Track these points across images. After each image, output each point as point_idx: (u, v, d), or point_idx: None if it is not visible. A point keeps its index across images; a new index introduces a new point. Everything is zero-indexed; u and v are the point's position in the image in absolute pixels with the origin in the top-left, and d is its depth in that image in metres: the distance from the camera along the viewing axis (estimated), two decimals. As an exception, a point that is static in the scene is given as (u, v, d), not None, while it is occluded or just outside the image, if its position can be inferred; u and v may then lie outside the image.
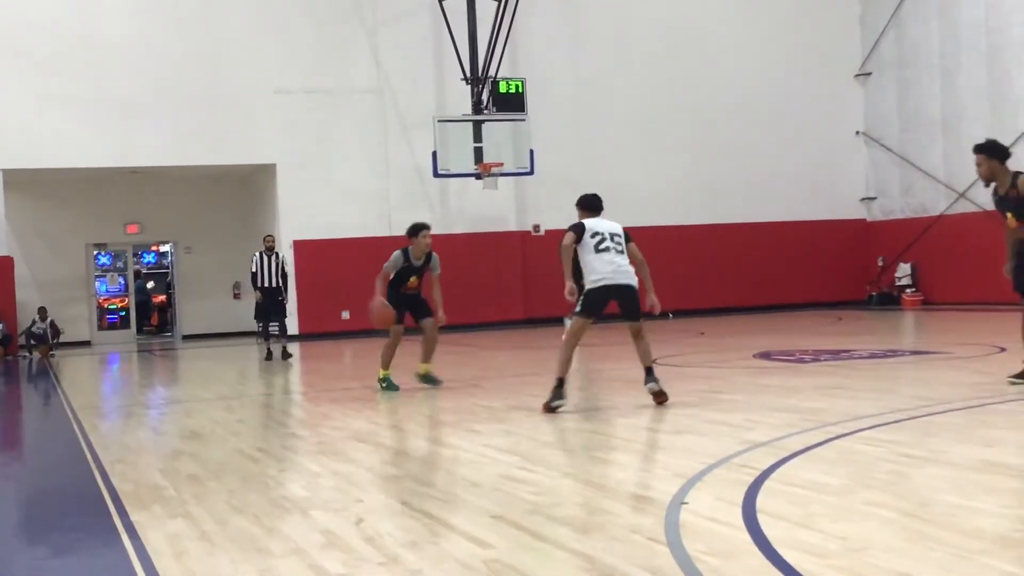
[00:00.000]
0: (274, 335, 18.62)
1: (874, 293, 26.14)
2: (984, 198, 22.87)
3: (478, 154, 22.31)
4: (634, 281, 9.88)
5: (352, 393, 12.63)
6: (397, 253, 12.20)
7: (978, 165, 9.84)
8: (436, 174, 22.44)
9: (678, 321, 21.80)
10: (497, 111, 22.66)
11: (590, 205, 10.30)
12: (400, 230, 23.58)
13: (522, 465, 7.23)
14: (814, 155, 26.12)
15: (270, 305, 18.25)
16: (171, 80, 22.74)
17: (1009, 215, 9.76)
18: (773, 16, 26.08)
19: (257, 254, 18.38)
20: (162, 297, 29.84)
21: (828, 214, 26.44)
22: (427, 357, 12.37)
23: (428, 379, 12.38)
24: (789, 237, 26.03)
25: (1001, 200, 9.84)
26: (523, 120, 22.57)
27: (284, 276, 18.48)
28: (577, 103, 24.58)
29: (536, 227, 24.75)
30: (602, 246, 9.79)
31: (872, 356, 14.06)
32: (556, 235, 24.03)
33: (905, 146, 25.33)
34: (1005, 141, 22.60)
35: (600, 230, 9.96)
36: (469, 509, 6.00)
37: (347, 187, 23.64)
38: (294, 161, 23.57)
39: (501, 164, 22.30)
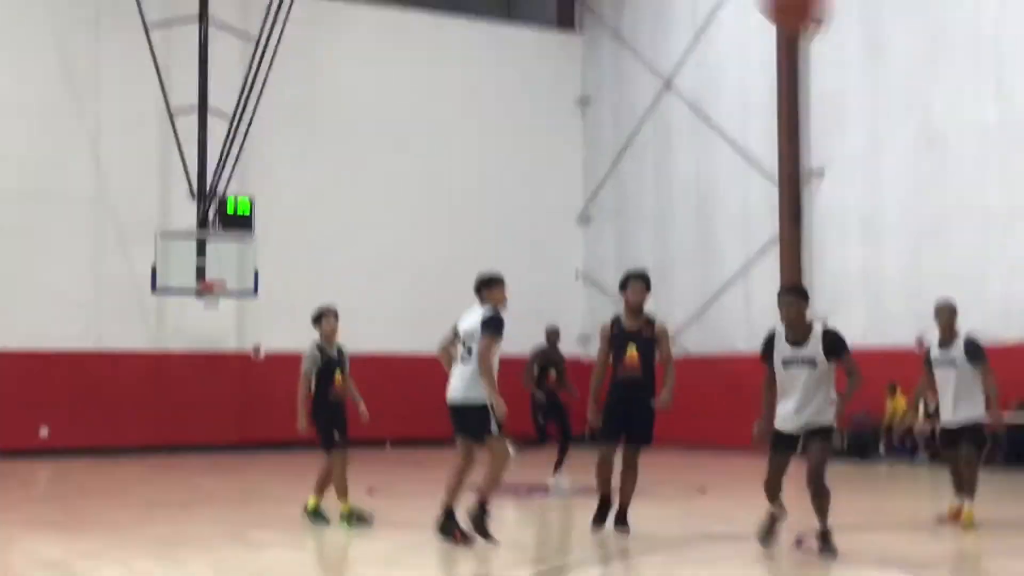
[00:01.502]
0: None
1: (586, 432, 26.73)
2: (690, 344, 24.10)
3: (201, 272, 21.80)
4: (461, 396, 9.14)
5: (44, 516, 11.87)
6: (310, 347, 10.71)
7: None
8: (154, 290, 21.73)
9: (398, 452, 21.70)
10: (223, 229, 22.23)
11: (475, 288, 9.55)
12: (114, 344, 22.92)
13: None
14: (536, 293, 26.83)
15: None
16: None
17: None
18: (501, 157, 26.88)
19: None
20: None
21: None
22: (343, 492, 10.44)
23: (356, 517, 10.39)
24: (511, 370, 26.45)
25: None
26: (250, 240, 22.23)
27: None
28: (306, 225, 24.42)
29: (256, 349, 24.27)
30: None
31: (580, 490, 14.36)
32: (277, 358, 23.88)
33: (612, 287, 26.32)
34: (709, 291, 24.13)
35: (460, 329, 9.39)
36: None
37: (55, 297, 22.48)
38: None
39: (224, 283, 21.85)
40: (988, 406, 10.49)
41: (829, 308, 21.91)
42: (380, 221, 25.38)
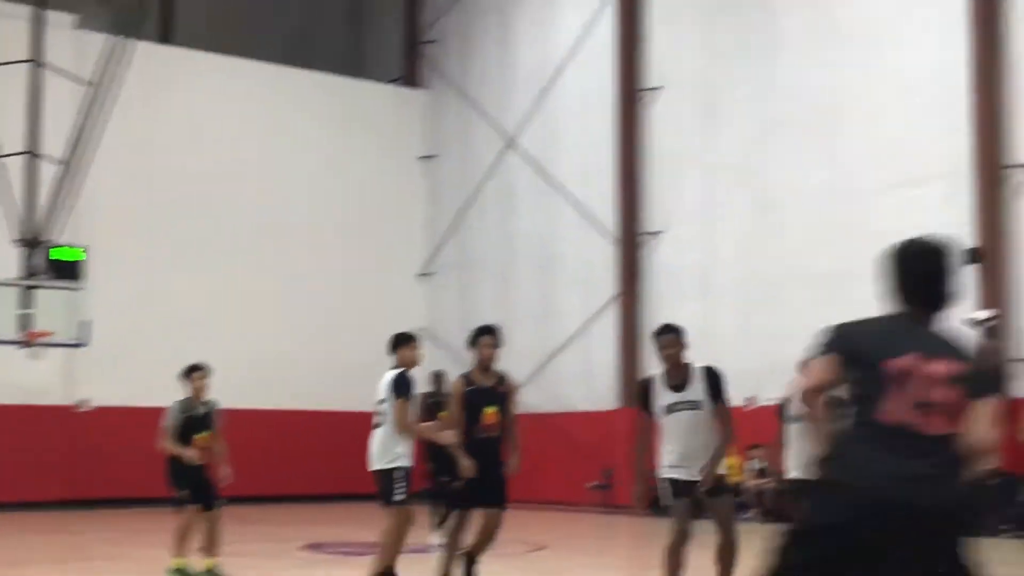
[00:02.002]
0: None
1: (427, 488, 26.63)
2: (529, 401, 24.22)
3: (26, 321, 21.05)
4: (374, 460, 9.20)
5: None
6: (173, 405, 10.55)
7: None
8: (-25, 338, 20.89)
9: (231, 508, 21.16)
10: (53, 278, 21.54)
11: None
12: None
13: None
14: (378, 347, 26.67)
15: None
16: None
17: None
18: (343, 210, 26.79)
19: None
20: None
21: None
22: (213, 548, 10.50)
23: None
24: (349, 425, 26.18)
25: None
26: (80, 289, 21.57)
27: None
28: (143, 275, 23.82)
29: (82, 402, 23.47)
30: None
31: (413, 551, 14.24)
32: (107, 411, 23.20)
33: (463, 344, 26.37)
34: (549, 348, 24.32)
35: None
36: None
37: None
38: None
39: (51, 333, 21.11)
40: None
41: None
42: (220, 272, 24.96)
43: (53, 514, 21.01)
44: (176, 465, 10.18)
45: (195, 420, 10.38)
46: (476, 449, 9.47)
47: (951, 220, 18.41)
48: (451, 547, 9.65)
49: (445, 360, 27.08)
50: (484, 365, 9.83)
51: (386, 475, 9.07)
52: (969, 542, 4.17)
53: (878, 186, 19.40)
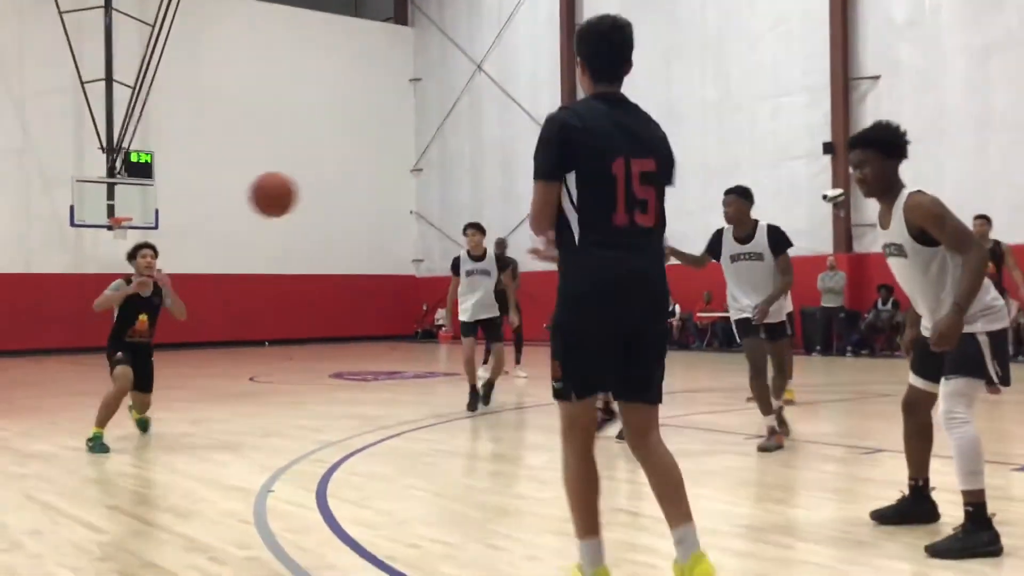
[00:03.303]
0: None
1: (419, 330, 26.89)
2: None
3: (110, 210, 20.77)
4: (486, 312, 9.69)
5: (-14, 405, 11.20)
6: (118, 281, 8.19)
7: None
8: (73, 224, 20.62)
9: (273, 348, 21.31)
10: (129, 176, 21.21)
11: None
12: (40, 268, 21.69)
13: (134, 463, 6.71)
14: (378, 226, 26.59)
15: None
16: None
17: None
18: (349, 118, 26.35)
19: None
20: None
21: (387, 270, 26.93)
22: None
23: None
24: (360, 285, 26.24)
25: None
26: (150, 184, 21.29)
27: None
28: (196, 172, 23.44)
29: (158, 270, 23.28)
30: None
31: (416, 376, 14.41)
32: (175, 277, 22.99)
33: (444, 223, 26.35)
34: (510, 224, 24.30)
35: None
36: (87, 501, 5.46)
37: (-11, 230, 21.13)
38: (-60, 205, 20.78)
39: (130, 219, 20.87)
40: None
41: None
42: (253, 169, 24.49)
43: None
44: (112, 338, 8.17)
45: (140, 304, 8.11)
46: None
47: (813, 121, 18.43)
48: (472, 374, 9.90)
49: (431, 235, 27.12)
50: (473, 249, 9.78)
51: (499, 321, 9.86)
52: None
53: (756, 97, 19.28)
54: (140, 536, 4.65)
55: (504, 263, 10.87)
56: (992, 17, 16.33)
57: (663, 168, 3.41)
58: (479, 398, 9.59)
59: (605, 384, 3.51)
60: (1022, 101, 15.94)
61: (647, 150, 3.36)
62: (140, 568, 4.04)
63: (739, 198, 6.97)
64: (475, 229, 9.82)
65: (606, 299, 3.26)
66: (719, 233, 7.08)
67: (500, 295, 10.15)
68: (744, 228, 6.95)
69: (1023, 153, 15.99)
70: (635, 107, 3.49)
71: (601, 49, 3.45)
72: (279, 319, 24.08)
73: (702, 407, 9.62)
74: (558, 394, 3.36)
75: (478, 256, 9.74)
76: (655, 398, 3.43)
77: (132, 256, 8.35)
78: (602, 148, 3.27)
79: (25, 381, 14.95)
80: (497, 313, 9.87)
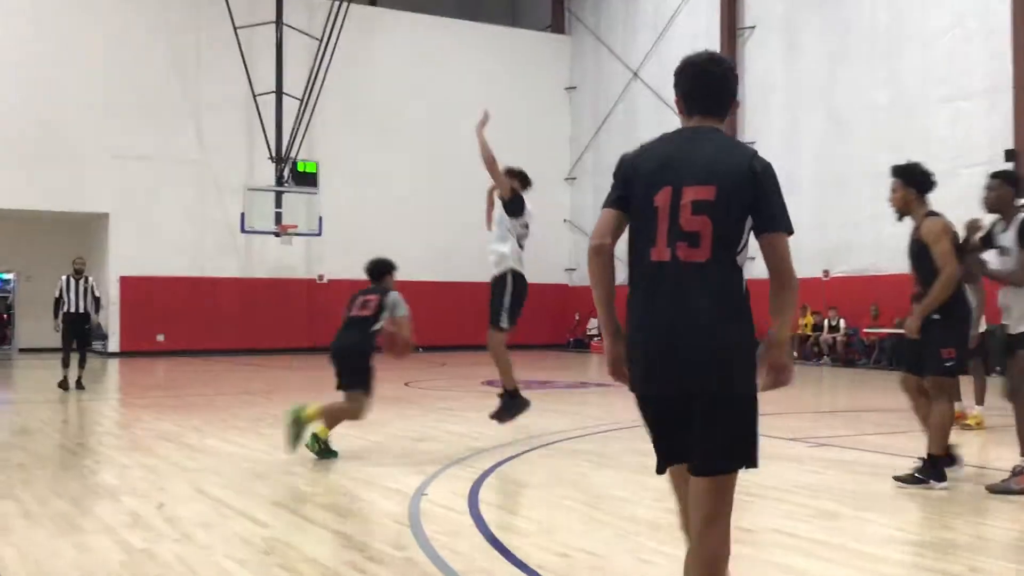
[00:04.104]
0: (79, 360, 13.43)
1: (571, 339, 26.95)
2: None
3: (278, 217, 21.79)
4: None
5: (161, 401, 11.96)
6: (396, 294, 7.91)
7: (893, 191, 6.47)
8: (243, 230, 21.76)
9: (427, 354, 21.76)
10: (295, 185, 22.22)
11: None
12: (213, 273, 23.00)
13: (299, 463, 7.01)
14: (532, 234, 26.72)
15: (75, 332, 13.29)
16: (21, 135, 21.21)
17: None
18: (505, 127, 26.61)
19: (64, 277, 13.52)
20: (3, 315, 27.47)
21: (540, 279, 27.04)
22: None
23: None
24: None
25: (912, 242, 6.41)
26: (315, 193, 22.22)
27: (96, 300, 13.53)
28: (358, 182, 24.32)
29: (320, 276, 24.33)
30: None
31: (568, 386, 14.44)
32: (336, 283, 23.96)
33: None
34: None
35: None
36: (253, 496, 5.75)
37: (168, 236, 22.60)
38: (125, 212, 22.34)
39: (296, 226, 21.84)
40: None
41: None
42: (413, 182, 25.26)
43: (299, 356, 21.96)
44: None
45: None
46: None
47: (992, 128, 17.40)
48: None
49: (584, 245, 27.10)
50: None
51: None
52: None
53: (930, 99, 18.39)
54: (301, 532, 4.86)
55: None
56: None
57: (727, 197, 2.94)
58: None
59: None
60: None
61: (706, 177, 2.94)
62: (301, 563, 4.22)
63: (904, 183, 6.32)
64: None
65: (639, 353, 2.96)
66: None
67: None
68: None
69: None
70: (712, 133, 3.10)
71: (687, 83, 3.20)
72: (434, 326, 24.63)
73: (867, 428, 9.25)
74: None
75: None
76: (712, 468, 2.89)
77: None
78: (648, 177, 3.02)
79: (197, 379, 15.85)
80: None
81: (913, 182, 6.31)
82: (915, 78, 18.64)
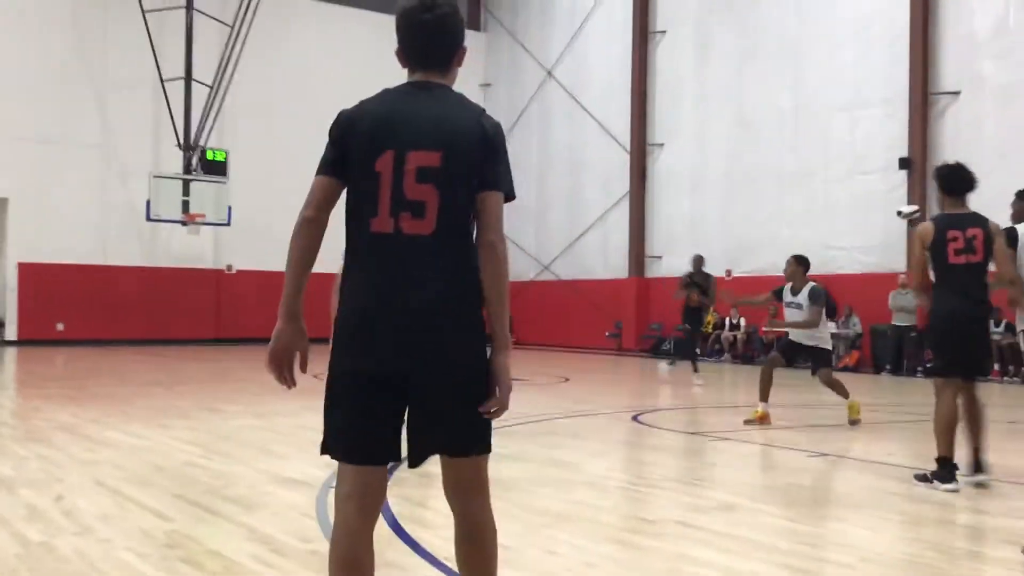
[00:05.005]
0: None
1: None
2: (560, 270, 24.29)
3: (185, 206, 21.27)
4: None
5: (61, 391, 11.57)
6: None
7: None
8: (148, 218, 21.16)
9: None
10: (204, 173, 21.70)
11: None
12: (117, 261, 22.34)
13: (202, 455, 6.88)
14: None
15: None
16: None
17: None
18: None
19: None
20: None
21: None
22: None
23: None
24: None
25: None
26: (224, 182, 21.75)
27: None
28: (269, 171, 23.88)
29: (229, 267, 23.85)
30: None
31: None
32: (245, 274, 23.55)
33: (508, 228, 26.39)
34: (577, 231, 24.26)
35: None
36: (154, 489, 5.62)
37: (70, 222, 21.82)
38: (25, 196, 21.50)
39: (203, 215, 21.35)
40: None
41: (663, 247, 22.21)
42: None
43: (205, 347, 21.51)
44: None
45: None
46: None
47: (890, 134, 18.05)
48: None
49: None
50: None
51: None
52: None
53: (831, 106, 18.99)
54: (205, 524, 4.77)
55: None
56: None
57: (455, 163, 2.68)
58: None
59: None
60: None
61: (431, 141, 2.68)
62: (204, 556, 4.14)
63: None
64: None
65: (354, 336, 2.64)
66: None
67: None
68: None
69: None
70: (437, 90, 2.85)
71: (402, 34, 2.93)
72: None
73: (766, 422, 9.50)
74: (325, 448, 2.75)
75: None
76: (459, 450, 2.73)
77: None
78: (368, 140, 2.72)
79: (99, 370, 15.39)
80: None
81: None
82: (818, 84, 19.22)
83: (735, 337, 20.15)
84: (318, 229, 2.72)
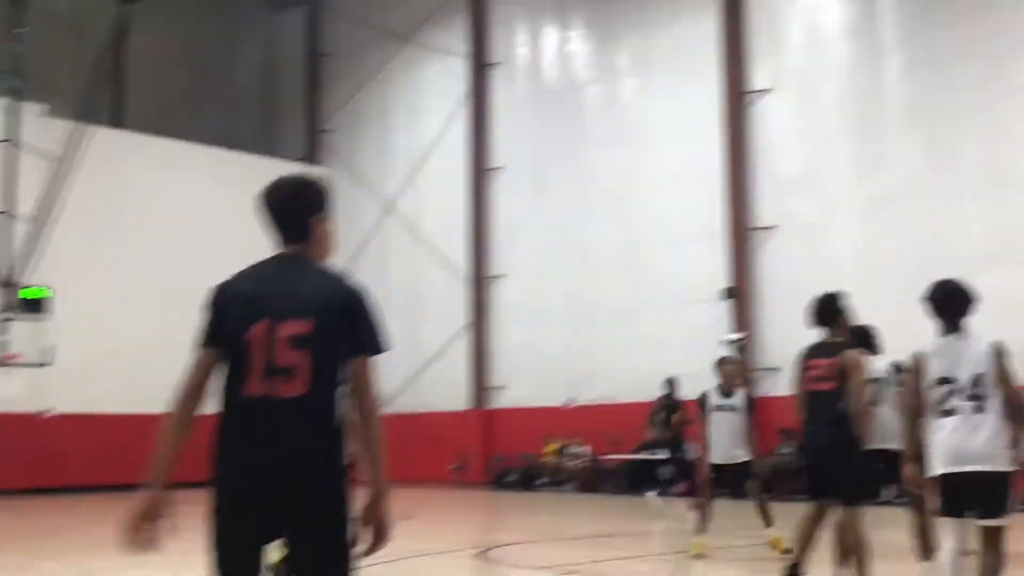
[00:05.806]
0: None
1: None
2: (401, 404, 23.98)
3: (3, 345, 20.00)
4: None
5: None
6: None
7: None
8: (-40, 360, 19.71)
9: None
10: (24, 312, 20.53)
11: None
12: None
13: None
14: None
15: None
16: None
17: None
18: (257, 256, 26.19)
19: None
20: None
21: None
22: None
23: None
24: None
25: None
26: (48, 320, 20.62)
27: None
28: (99, 308, 22.75)
29: (45, 410, 22.33)
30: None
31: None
32: (67, 417, 22.05)
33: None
34: (416, 364, 24.11)
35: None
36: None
37: None
38: None
39: (21, 355, 20.10)
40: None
41: (505, 378, 22.41)
42: (154, 307, 24.00)
43: (21, 499, 19.93)
44: None
45: None
46: None
47: (711, 266, 19.08)
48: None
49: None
50: None
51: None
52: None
53: (659, 242, 19.95)
54: None
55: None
56: (878, 176, 17.40)
57: (324, 330, 2.95)
58: None
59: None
60: (910, 251, 16.67)
61: (302, 311, 2.97)
62: None
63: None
64: None
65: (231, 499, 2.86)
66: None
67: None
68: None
69: (915, 302, 16.72)
70: (302, 264, 3.19)
71: (265, 211, 3.30)
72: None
73: (610, 552, 9.51)
74: None
75: None
76: None
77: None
78: (243, 311, 3.02)
79: None
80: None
81: None
82: (645, 221, 20.25)
83: (580, 466, 20.28)
84: (198, 406, 2.99)
